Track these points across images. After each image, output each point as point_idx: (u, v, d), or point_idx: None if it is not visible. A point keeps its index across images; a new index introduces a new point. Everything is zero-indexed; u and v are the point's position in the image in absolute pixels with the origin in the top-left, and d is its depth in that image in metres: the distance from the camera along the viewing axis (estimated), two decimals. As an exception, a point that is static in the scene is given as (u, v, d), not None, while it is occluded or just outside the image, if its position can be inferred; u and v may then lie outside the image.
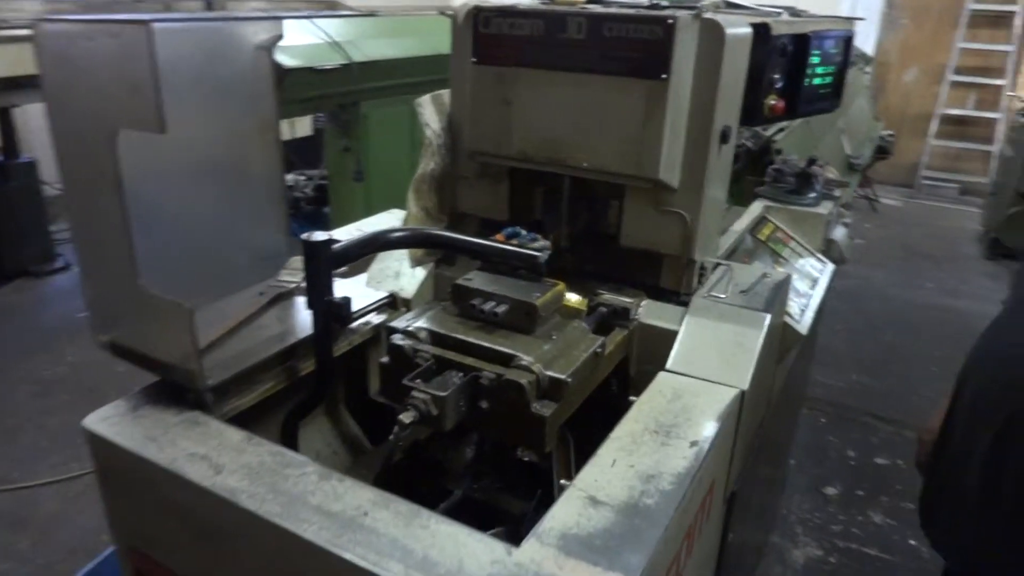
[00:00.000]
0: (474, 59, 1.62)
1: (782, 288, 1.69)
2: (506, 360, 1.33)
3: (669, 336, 1.55)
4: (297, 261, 1.84)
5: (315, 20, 4.30)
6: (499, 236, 1.58)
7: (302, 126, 6.86)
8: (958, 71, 8.63)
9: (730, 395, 1.39)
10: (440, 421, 1.27)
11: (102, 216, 1.32)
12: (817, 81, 1.91)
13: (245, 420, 1.47)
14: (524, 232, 1.60)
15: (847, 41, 1.98)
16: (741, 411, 1.43)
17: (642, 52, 1.45)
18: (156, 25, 1.11)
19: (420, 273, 1.83)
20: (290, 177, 5.58)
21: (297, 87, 4.01)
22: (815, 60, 1.84)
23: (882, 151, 5.45)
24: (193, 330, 1.28)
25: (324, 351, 1.46)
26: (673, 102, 1.47)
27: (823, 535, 3.16)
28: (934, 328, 5.27)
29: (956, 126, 8.87)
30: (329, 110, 4.61)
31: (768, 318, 1.54)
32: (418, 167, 1.78)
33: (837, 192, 2.50)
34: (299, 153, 6.07)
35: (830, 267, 2.27)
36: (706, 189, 1.54)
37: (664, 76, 1.44)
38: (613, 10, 1.52)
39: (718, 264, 1.77)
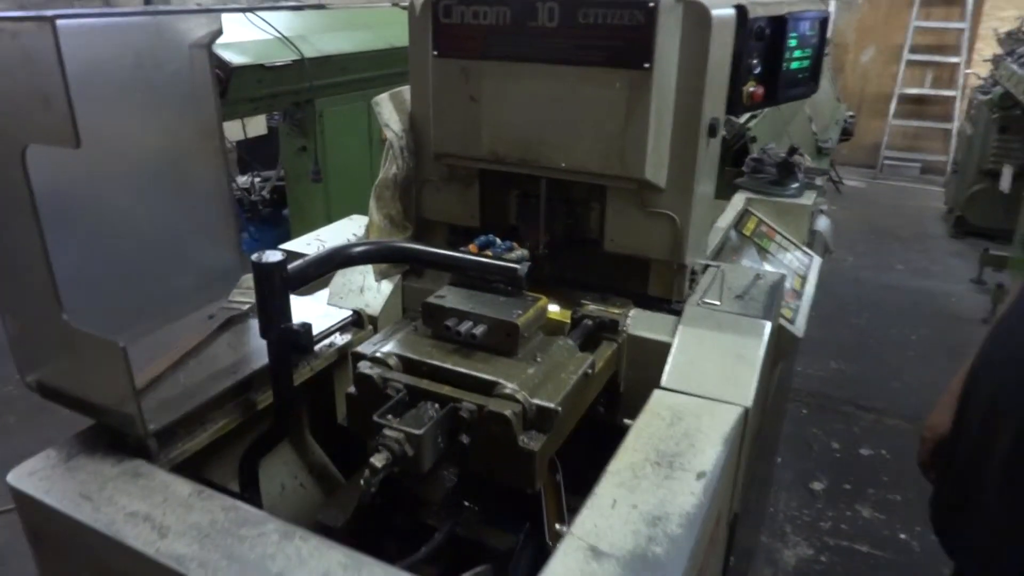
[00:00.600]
0: (435, 52, 1.47)
1: (777, 290, 1.57)
2: (487, 388, 1.19)
3: (662, 349, 1.43)
4: (250, 279, 1.68)
5: (262, 14, 4.09)
6: (472, 247, 1.44)
7: (256, 124, 6.61)
8: (914, 50, 8.67)
9: (734, 415, 1.27)
10: (417, 462, 1.13)
11: (17, 242, 1.14)
12: (795, 65, 1.80)
13: (197, 462, 1.31)
14: (499, 241, 1.46)
15: (823, 22, 1.87)
16: (745, 430, 1.31)
17: (622, 40, 1.32)
18: (61, 23, 0.94)
19: (386, 287, 1.68)
20: (245, 179, 5.36)
21: (246, 85, 3.81)
22: (792, 43, 1.72)
23: (845, 133, 5.42)
24: (128, 370, 1.11)
25: (282, 385, 1.30)
26: (658, 94, 1.34)
27: (813, 533, 3.09)
28: (907, 310, 5.25)
29: (915, 105, 8.93)
30: (282, 108, 4.41)
31: (768, 326, 1.42)
32: (380, 171, 1.63)
33: (818, 181, 2.40)
34: (254, 153, 5.83)
35: (817, 260, 2.17)
36: (696, 188, 1.41)
37: (647, 65, 1.31)
38: (588, -6, 1.38)
39: (708, 266, 1.65)
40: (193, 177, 1.55)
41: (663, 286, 1.52)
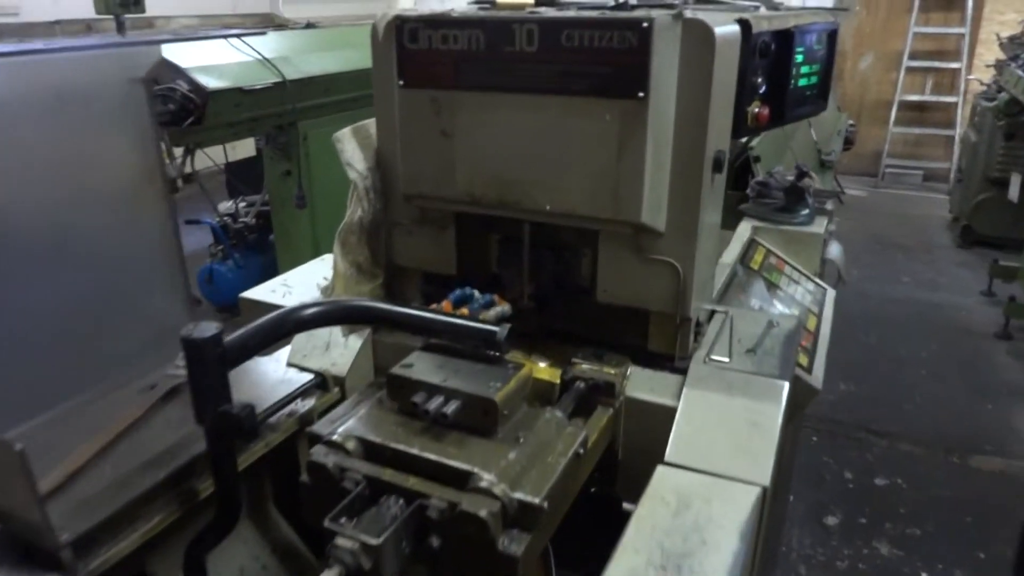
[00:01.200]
0: (400, 82, 1.30)
1: (794, 340, 1.39)
2: (461, 479, 1.01)
3: (664, 413, 1.25)
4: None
5: (245, 38, 3.92)
6: (446, 304, 1.26)
7: (245, 145, 6.45)
8: (913, 56, 8.52)
9: (751, 498, 1.09)
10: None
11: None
12: (803, 82, 1.64)
13: (138, 555, 1.13)
14: (477, 295, 1.29)
15: (831, 35, 1.71)
16: (763, 512, 1.13)
17: (612, 65, 1.15)
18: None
19: (355, 342, 1.50)
20: (229, 204, 5.19)
21: (224, 110, 3.64)
22: (799, 59, 1.57)
23: (847, 142, 5.27)
24: (28, 474, 0.93)
25: (224, 475, 1.12)
26: (655, 125, 1.16)
27: (829, 574, 2.89)
28: (916, 326, 5.06)
29: (915, 112, 8.77)
30: (264, 132, 4.24)
31: (786, 387, 1.24)
32: (345, 214, 1.46)
33: (829, 204, 2.23)
34: (243, 175, 5.65)
35: (831, 293, 1.99)
36: (700, 231, 1.24)
37: (642, 95, 1.14)
38: (571, 14, 1.21)
39: (714, 312, 1.47)
40: (133, 224, 1.38)
41: (664, 341, 1.34)
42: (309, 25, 5.34)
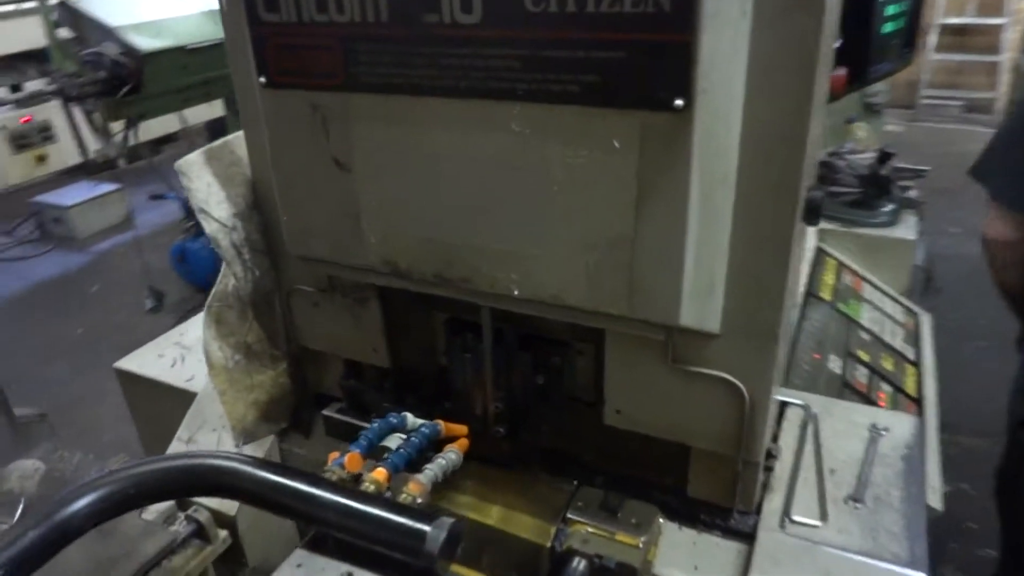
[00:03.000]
0: (262, 79, 0.76)
1: (917, 468, 0.88)
2: None
3: (720, 621, 0.75)
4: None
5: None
6: (350, 458, 0.75)
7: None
8: (955, -27, 7.70)
9: None
10: None
11: None
12: (888, 28, 1.13)
13: None
14: (411, 420, 0.78)
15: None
16: None
17: (624, 49, 0.61)
18: None
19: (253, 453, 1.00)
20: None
21: (165, 75, 3.10)
22: (884, -2, 1.06)
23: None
24: None
25: None
26: (705, 154, 0.63)
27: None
28: (971, 288, 4.50)
29: (957, 36, 7.97)
30: (223, 96, 3.67)
31: (928, 588, 0.73)
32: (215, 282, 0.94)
33: (913, 191, 1.68)
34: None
35: (927, 321, 1.47)
36: (781, 328, 0.71)
37: (680, 102, 0.60)
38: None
39: (787, 403, 0.96)
40: None
41: (715, 486, 0.83)
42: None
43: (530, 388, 0.85)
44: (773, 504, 0.83)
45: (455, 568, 0.79)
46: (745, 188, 0.66)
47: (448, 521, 0.66)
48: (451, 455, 0.78)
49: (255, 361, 1.01)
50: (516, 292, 0.73)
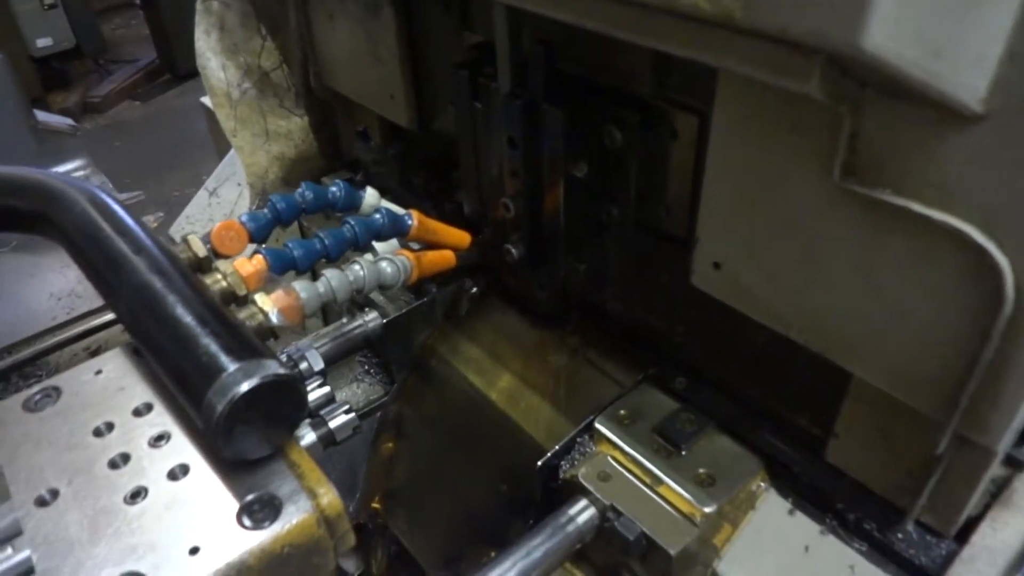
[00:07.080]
0: None
1: None
2: None
3: None
4: None
5: None
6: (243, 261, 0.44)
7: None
8: None
9: None
10: None
11: None
12: None
13: None
14: (366, 212, 0.46)
15: None
16: None
17: None
18: None
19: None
20: None
21: None
22: None
23: None
24: None
25: None
26: None
27: None
28: None
29: None
30: None
31: None
32: None
33: None
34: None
35: None
36: None
37: None
38: None
39: None
40: None
41: (882, 461, 0.41)
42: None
43: (572, 183, 0.47)
44: (1000, 537, 0.40)
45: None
46: None
47: (271, 365, 0.33)
48: (384, 265, 0.45)
49: (271, 97, 0.73)
50: None
